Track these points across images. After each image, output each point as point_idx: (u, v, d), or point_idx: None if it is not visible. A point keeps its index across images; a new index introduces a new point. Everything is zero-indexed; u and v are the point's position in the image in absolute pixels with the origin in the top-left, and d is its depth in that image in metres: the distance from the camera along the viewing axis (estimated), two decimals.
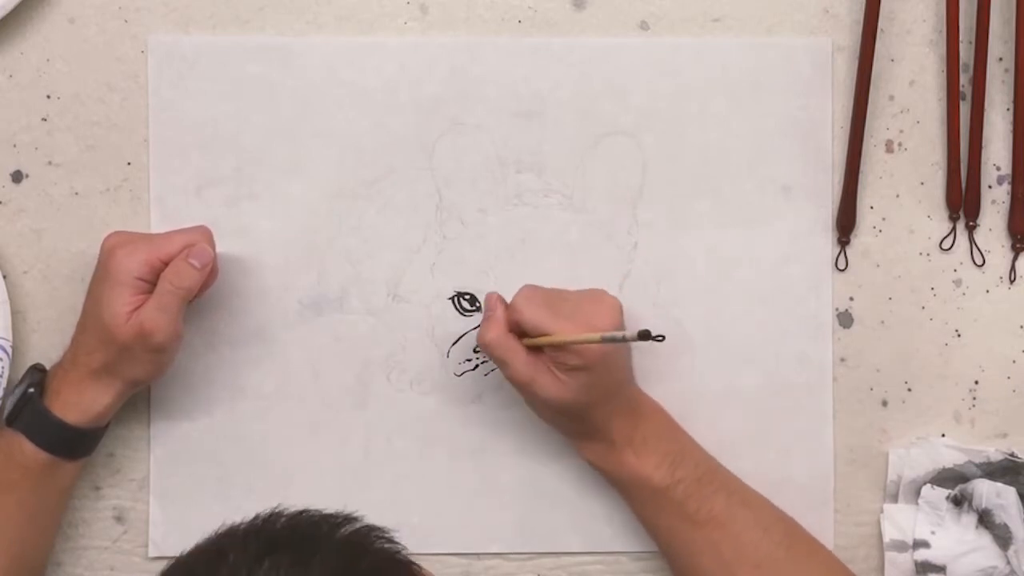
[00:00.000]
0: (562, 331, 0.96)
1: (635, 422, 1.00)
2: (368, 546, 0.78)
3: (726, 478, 1.01)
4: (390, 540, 0.78)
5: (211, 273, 1.00)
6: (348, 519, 0.79)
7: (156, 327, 0.96)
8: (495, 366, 1.04)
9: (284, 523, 0.78)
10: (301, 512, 0.79)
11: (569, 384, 0.97)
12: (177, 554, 1.04)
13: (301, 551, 0.75)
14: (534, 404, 1.01)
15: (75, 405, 0.98)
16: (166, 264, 0.98)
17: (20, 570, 0.99)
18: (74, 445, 0.99)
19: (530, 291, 0.99)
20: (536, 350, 0.98)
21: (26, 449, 0.97)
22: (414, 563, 0.79)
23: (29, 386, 0.99)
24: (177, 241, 0.99)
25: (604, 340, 0.94)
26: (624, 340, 0.94)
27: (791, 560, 0.99)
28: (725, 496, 1.00)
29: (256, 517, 0.78)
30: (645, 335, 0.91)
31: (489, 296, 1.01)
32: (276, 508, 0.79)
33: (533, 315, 0.97)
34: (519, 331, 0.99)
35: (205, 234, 1.01)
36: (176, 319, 0.98)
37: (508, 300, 1.00)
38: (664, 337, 0.96)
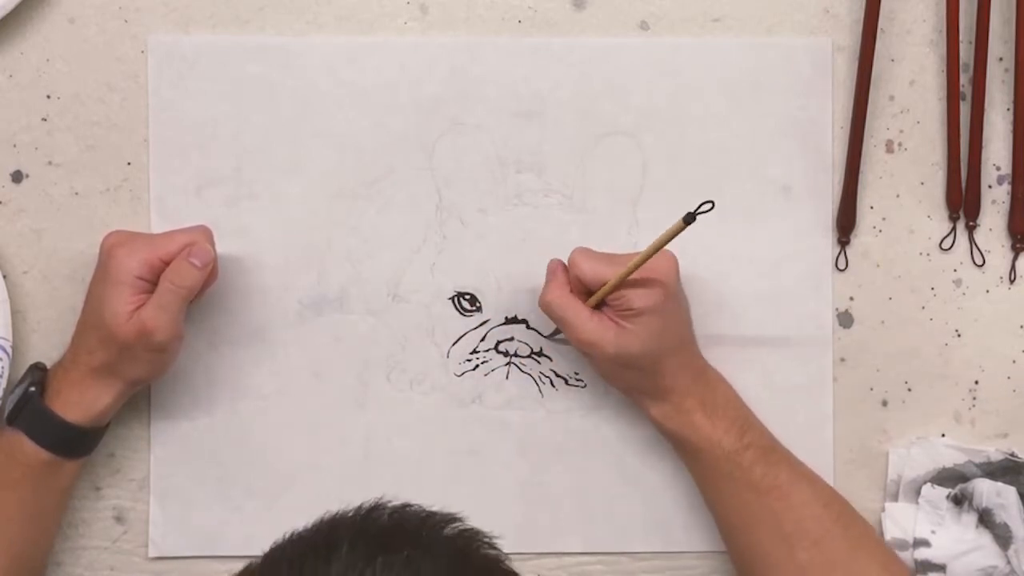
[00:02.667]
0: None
1: (706, 385, 1.00)
2: (475, 551, 0.77)
3: (787, 452, 1.02)
4: (492, 546, 0.78)
5: (211, 273, 1.00)
6: (451, 519, 0.78)
7: (157, 326, 0.96)
8: (495, 366, 1.04)
9: (389, 519, 0.77)
10: (404, 507, 0.77)
11: (636, 331, 0.97)
12: (177, 554, 1.05)
13: (412, 551, 0.74)
14: (601, 365, 1.00)
15: (76, 404, 0.98)
16: (166, 264, 0.98)
17: (20, 570, 0.99)
18: (75, 444, 0.99)
19: (585, 249, 1.00)
20: (598, 307, 0.98)
21: (27, 448, 0.97)
22: (517, 573, 0.78)
23: (30, 385, 0.99)
24: (177, 240, 0.99)
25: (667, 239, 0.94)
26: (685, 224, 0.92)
27: (847, 540, 0.98)
28: (788, 467, 1.00)
29: (359, 508, 0.77)
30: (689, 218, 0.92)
31: (552, 261, 1.01)
32: (379, 500, 0.77)
33: (593, 266, 0.98)
34: (581, 291, 0.99)
35: (205, 233, 1.01)
36: (177, 318, 0.98)
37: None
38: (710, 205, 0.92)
